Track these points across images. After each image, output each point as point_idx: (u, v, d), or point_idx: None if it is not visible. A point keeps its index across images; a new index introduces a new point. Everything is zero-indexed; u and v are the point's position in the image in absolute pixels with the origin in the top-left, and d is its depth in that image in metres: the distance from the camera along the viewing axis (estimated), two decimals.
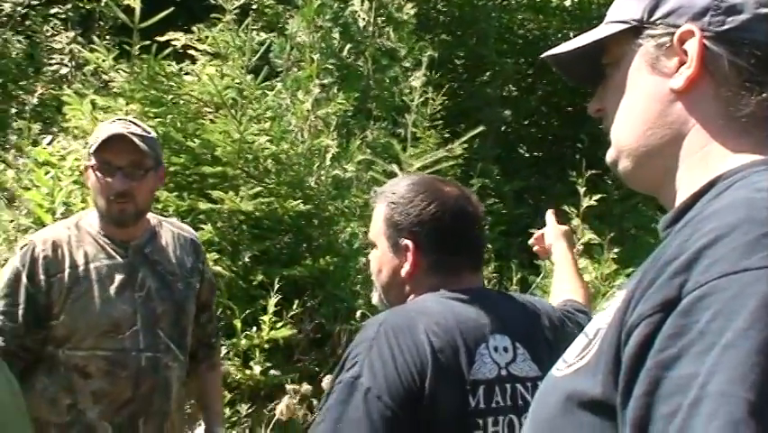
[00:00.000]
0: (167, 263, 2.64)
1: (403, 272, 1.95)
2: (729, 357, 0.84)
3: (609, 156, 1.22)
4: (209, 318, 2.82)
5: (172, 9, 5.32)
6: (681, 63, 1.10)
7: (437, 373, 1.75)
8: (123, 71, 5.23)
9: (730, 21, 1.09)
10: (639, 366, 0.92)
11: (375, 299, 2.07)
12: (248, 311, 4.43)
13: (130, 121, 2.62)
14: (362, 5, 6.59)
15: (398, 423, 1.68)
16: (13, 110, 6.59)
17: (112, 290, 2.53)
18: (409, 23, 6.52)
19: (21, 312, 2.49)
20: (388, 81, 6.54)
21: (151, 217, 2.70)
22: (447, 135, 6.94)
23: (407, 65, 6.48)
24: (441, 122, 7.01)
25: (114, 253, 2.57)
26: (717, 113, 1.09)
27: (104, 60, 5.27)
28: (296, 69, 6.02)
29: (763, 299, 0.85)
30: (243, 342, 4.36)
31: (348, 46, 6.53)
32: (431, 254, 1.96)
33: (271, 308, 4.31)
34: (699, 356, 0.86)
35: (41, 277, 2.50)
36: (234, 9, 5.24)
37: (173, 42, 6.19)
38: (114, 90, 5.32)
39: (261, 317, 4.37)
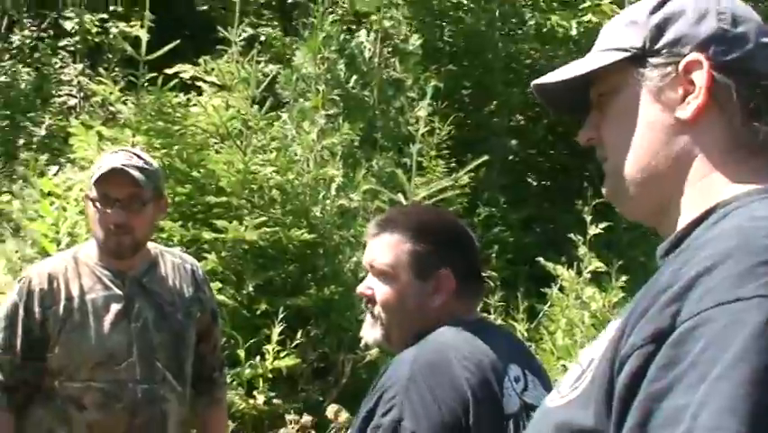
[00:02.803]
0: (165, 294, 2.62)
1: (434, 303, 1.91)
2: (720, 389, 0.83)
3: (608, 186, 1.21)
4: (210, 350, 2.78)
5: (178, 42, 5.36)
6: (687, 93, 1.10)
7: (478, 410, 1.72)
8: (132, 103, 5.27)
9: (736, 50, 1.09)
10: (632, 397, 0.91)
11: (372, 337, 1.97)
12: (251, 341, 4.41)
13: (133, 153, 2.62)
14: (368, 36, 6.63)
15: None
16: (21, 141, 6.62)
17: (107, 321, 2.52)
18: (415, 54, 6.55)
19: (19, 346, 2.50)
20: (393, 111, 6.56)
21: (152, 247, 2.70)
22: (454, 165, 6.95)
23: (413, 95, 6.50)
24: (447, 151, 7.02)
25: (110, 285, 2.56)
26: (724, 142, 1.09)
27: (110, 93, 5.31)
28: (302, 100, 6.05)
29: (755, 329, 0.85)
30: (247, 372, 4.35)
31: (354, 77, 6.56)
32: (462, 281, 1.94)
33: (275, 338, 4.30)
34: (690, 388, 0.86)
35: (37, 309, 2.50)
36: (240, 41, 5.27)
37: (181, 75, 6.24)
38: (121, 122, 5.36)
39: (265, 347, 4.35)
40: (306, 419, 3.85)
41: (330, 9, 8.97)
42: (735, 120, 1.08)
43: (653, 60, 1.12)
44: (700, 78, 1.08)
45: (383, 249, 1.96)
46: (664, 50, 1.12)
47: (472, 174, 6.96)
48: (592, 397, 0.99)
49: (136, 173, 2.49)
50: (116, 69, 7.69)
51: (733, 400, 0.82)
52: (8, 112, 7.20)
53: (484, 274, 2.09)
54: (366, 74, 6.49)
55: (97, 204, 2.50)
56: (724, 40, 1.09)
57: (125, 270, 2.58)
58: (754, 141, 1.07)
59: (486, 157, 5.96)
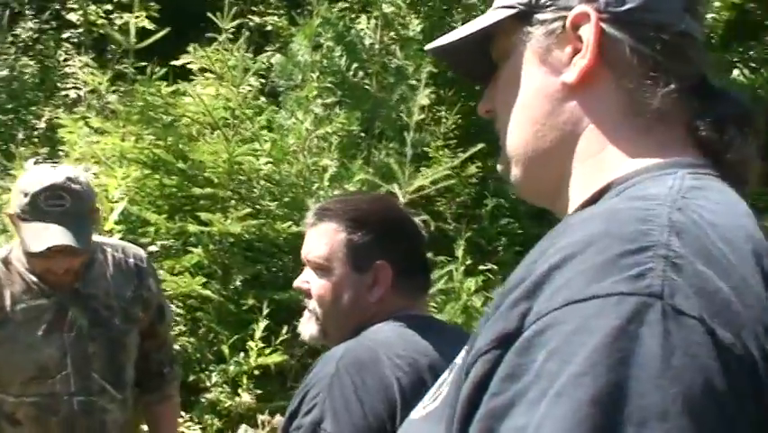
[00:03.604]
0: (102, 296, 2.45)
1: (372, 297, 1.79)
2: (559, 408, 0.68)
3: (499, 164, 1.06)
4: (157, 347, 2.65)
5: (168, 30, 5.25)
6: (576, 52, 0.93)
7: (407, 414, 1.60)
8: (119, 93, 5.18)
9: (631, 0, 0.92)
10: (472, 413, 0.76)
11: (309, 333, 1.85)
12: (237, 336, 4.29)
13: (61, 186, 2.29)
14: (369, 23, 6.47)
15: None
16: (21, 135, 6.56)
17: (38, 333, 2.37)
18: (416, 40, 6.38)
19: None
20: (395, 100, 6.41)
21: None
22: (463, 155, 6.78)
23: (413, 83, 6.34)
24: (455, 141, 6.85)
25: (41, 292, 2.39)
26: (617, 110, 0.92)
27: (99, 83, 5.21)
28: (299, 89, 5.91)
29: (607, 335, 0.69)
30: (232, 368, 4.23)
31: (354, 65, 6.41)
32: (403, 275, 1.81)
33: (258, 334, 4.17)
34: (531, 405, 0.70)
35: None
36: (230, 28, 5.14)
37: (173, 63, 6.13)
38: (111, 112, 5.27)
39: (249, 343, 4.23)
40: (280, 419, 3.72)
41: None
42: (628, 82, 0.91)
43: (539, 17, 0.95)
44: (587, 32, 0.91)
45: (318, 240, 1.84)
46: (550, 4, 0.95)
47: (480, 164, 6.80)
48: (446, 410, 0.85)
49: (80, 244, 2.27)
50: (122, 60, 7.63)
51: (570, 423, 0.66)
52: (10, 105, 7.14)
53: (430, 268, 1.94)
54: (366, 61, 6.33)
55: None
56: None
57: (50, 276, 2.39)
58: (655, 107, 0.90)
59: (483, 145, 5.77)
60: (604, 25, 0.91)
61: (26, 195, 2.28)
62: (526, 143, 0.98)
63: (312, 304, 1.85)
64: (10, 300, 2.38)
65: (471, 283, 5.05)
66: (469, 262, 5.35)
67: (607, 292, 0.71)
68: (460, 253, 5.27)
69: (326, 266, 1.81)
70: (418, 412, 0.95)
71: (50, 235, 2.25)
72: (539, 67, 0.96)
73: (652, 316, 0.69)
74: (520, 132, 0.98)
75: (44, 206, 2.25)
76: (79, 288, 2.44)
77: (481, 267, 5.58)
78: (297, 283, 1.90)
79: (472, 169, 6.82)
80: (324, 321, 1.83)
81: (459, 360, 0.89)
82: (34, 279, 2.40)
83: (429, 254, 4.88)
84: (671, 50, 0.90)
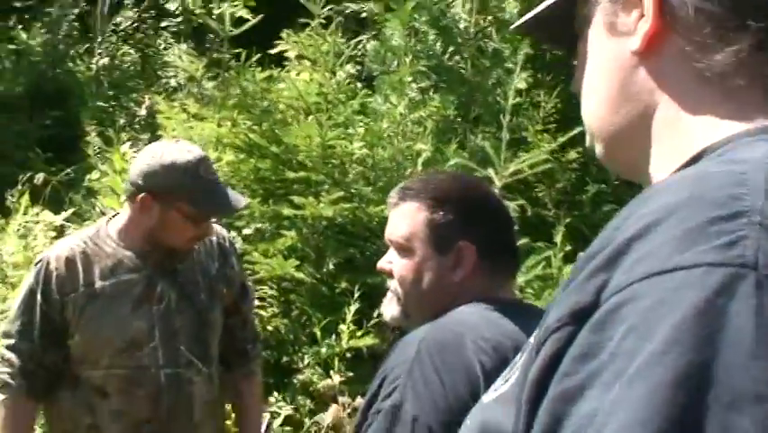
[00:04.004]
0: (188, 272, 2.52)
1: (456, 278, 1.75)
2: (634, 391, 0.61)
3: (587, 141, 1.01)
4: (241, 324, 2.69)
5: (262, 17, 5.29)
6: (642, 17, 0.86)
7: None
8: (214, 80, 5.27)
9: None
10: (541, 395, 0.70)
11: (390, 314, 1.83)
12: (328, 319, 4.30)
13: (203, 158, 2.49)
14: (464, 7, 6.39)
15: None
16: (122, 121, 6.75)
17: (128, 306, 2.44)
18: (512, 22, 6.26)
19: (36, 332, 2.43)
20: (491, 84, 6.31)
21: None
22: (564, 140, 6.65)
23: (510, 66, 6.23)
24: (555, 125, 6.72)
25: (132, 266, 2.47)
26: (690, 76, 0.84)
27: (196, 70, 5.30)
28: (393, 74, 5.88)
29: (691, 310, 0.62)
30: (324, 350, 4.24)
31: (450, 49, 6.34)
32: (487, 257, 1.76)
33: (350, 317, 4.17)
34: (605, 388, 0.63)
35: (56, 297, 2.42)
36: (323, 13, 5.15)
37: (270, 52, 6.19)
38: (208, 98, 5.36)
39: (341, 326, 4.24)
40: (361, 401, 3.71)
41: None
42: (697, 45, 0.83)
43: None
44: None
45: (400, 220, 1.80)
46: None
47: (580, 149, 6.65)
48: (516, 392, 0.79)
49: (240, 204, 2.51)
50: (219, 48, 7.77)
51: (647, 408, 0.60)
52: (112, 92, 7.34)
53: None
54: (461, 45, 6.25)
55: (187, 217, 2.40)
56: None
57: (148, 250, 2.48)
58: (723, 68, 0.82)
59: (582, 129, 5.62)
60: None
61: (181, 168, 2.37)
62: (603, 118, 0.92)
63: (394, 284, 1.82)
64: (99, 275, 2.44)
65: (570, 270, 4.95)
66: (568, 248, 5.24)
67: (692, 263, 0.64)
68: (558, 238, 5.17)
69: (407, 246, 1.77)
70: (489, 395, 0.91)
71: (227, 200, 2.45)
72: (608, 36, 0.90)
73: (744, 288, 0.62)
74: (596, 107, 0.93)
75: (205, 174, 2.40)
76: (168, 262, 2.49)
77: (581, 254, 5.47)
78: (380, 264, 1.88)
79: (572, 154, 6.69)
80: (406, 302, 1.80)
81: (532, 339, 0.84)
82: (127, 253, 2.46)
83: (526, 240, 4.83)
84: (738, 4, 0.83)
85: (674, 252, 0.65)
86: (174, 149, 2.43)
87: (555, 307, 0.72)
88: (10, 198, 4.86)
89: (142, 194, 2.39)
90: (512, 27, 1.09)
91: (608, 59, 0.90)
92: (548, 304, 0.81)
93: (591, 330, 0.67)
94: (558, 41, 1.08)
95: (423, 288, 1.76)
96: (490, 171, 5.23)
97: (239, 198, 2.53)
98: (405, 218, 1.79)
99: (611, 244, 0.71)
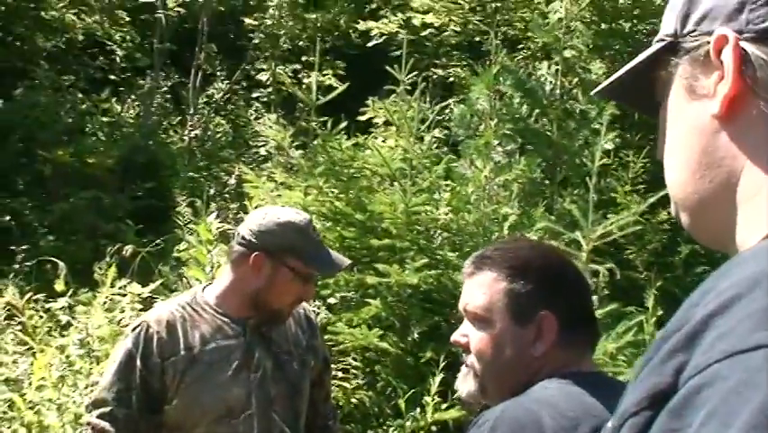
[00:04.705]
0: (282, 342, 2.50)
1: (536, 352, 1.67)
2: None
3: (672, 210, 0.95)
4: (324, 398, 2.66)
5: (347, 85, 5.36)
6: (721, 80, 0.81)
7: None
8: (301, 148, 5.33)
9: None
10: None
11: (466, 390, 1.72)
12: (413, 390, 4.22)
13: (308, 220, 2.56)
14: (549, 69, 6.36)
15: None
16: (212, 191, 6.88)
17: (228, 372, 2.41)
18: (598, 83, 6.20)
19: (134, 397, 2.40)
20: (577, 145, 6.23)
21: None
22: (654, 201, 6.51)
23: (596, 127, 6.15)
24: (643, 186, 6.57)
25: (230, 333, 2.45)
26: None
27: (283, 138, 5.38)
28: (477, 137, 5.87)
29: None
30: (408, 424, 4.16)
31: (535, 111, 6.30)
32: (568, 327, 1.68)
33: (434, 388, 4.08)
34: None
35: (156, 360, 2.39)
36: (408, 79, 5.18)
37: (358, 119, 6.26)
38: (294, 168, 5.42)
39: (425, 399, 4.15)
40: None
41: (521, 45, 8.78)
42: None
43: (685, 45, 0.84)
44: (727, 56, 0.79)
45: (477, 290, 1.71)
46: (694, 30, 0.83)
47: (671, 209, 6.45)
48: None
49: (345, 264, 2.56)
50: (309, 117, 7.91)
51: None
52: (202, 163, 7.51)
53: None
54: (547, 107, 6.21)
55: (295, 277, 2.41)
56: (759, 2, 0.78)
57: (245, 317, 2.48)
58: None
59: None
60: (746, 45, 0.78)
61: (295, 227, 2.43)
62: (686, 186, 0.86)
63: (470, 359, 1.73)
64: (199, 340, 2.42)
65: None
66: (660, 312, 5.06)
67: None
68: (650, 303, 5.00)
69: (486, 317, 1.69)
70: None
71: (333, 259, 2.50)
72: (689, 101, 0.85)
73: None
74: (679, 174, 0.87)
75: (314, 236, 2.47)
76: (264, 331, 2.48)
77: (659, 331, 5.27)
78: (454, 337, 1.80)
79: (663, 214, 6.52)
80: (483, 377, 1.71)
81: (610, 423, 0.78)
82: (225, 319, 2.45)
83: (616, 304, 4.68)
84: None
85: (757, 328, 0.61)
86: (284, 210, 2.50)
87: (633, 388, 0.68)
88: (98, 270, 4.92)
89: (255, 253, 2.40)
90: (593, 92, 1.05)
91: (689, 125, 0.85)
92: (628, 381, 0.76)
93: (669, 416, 0.64)
94: (640, 106, 1.03)
95: (502, 362, 1.68)
96: (578, 234, 5.12)
97: (342, 258, 2.55)
98: (482, 288, 1.71)
99: (690, 321, 0.67)
